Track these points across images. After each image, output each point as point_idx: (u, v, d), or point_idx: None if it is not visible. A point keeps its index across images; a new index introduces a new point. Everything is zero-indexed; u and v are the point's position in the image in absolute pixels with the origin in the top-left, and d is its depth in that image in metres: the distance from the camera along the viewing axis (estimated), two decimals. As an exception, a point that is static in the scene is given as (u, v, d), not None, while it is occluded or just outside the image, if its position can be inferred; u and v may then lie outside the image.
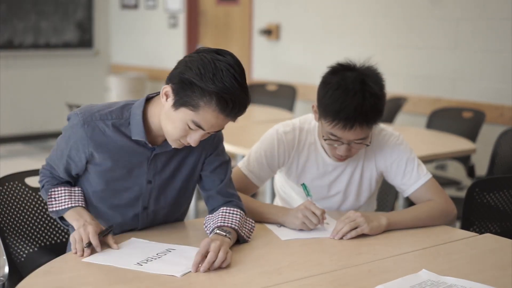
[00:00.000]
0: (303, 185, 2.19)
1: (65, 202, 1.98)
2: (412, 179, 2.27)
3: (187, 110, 1.81)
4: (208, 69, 1.78)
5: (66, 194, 1.99)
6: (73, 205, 1.97)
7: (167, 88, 1.85)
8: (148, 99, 1.97)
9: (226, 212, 1.98)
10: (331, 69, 2.17)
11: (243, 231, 1.96)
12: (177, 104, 1.83)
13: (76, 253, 1.81)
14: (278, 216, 2.14)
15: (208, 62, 1.79)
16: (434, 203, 2.23)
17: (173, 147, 1.94)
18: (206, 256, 1.74)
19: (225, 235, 1.87)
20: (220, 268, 1.74)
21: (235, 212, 1.98)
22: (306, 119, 2.36)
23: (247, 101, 1.83)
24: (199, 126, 1.83)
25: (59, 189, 2.00)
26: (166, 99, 1.85)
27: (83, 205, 1.98)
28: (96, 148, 1.93)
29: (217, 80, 1.77)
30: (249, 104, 1.85)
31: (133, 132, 1.94)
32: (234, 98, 1.78)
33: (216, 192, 2.07)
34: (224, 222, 1.94)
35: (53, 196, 1.99)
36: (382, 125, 2.33)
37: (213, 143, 2.05)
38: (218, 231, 1.88)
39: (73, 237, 1.85)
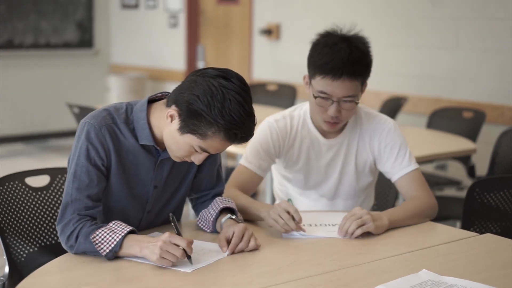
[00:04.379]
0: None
1: (112, 237, 1.79)
2: (404, 163, 2.33)
3: (194, 137, 1.81)
4: (216, 99, 1.76)
5: (107, 231, 1.80)
6: (122, 234, 1.79)
7: (172, 112, 1.83)
8: (149, 101, 1.95)
9: (224, 200, 2.06)
10: (319, 34, 2.29)
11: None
12: (184, 130, 1.82)
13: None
14: (260, 212, 2.12)
15: (216, 90, 1.76)
16: (422, 200, 2.26)
17: (174, 160, 1.95)
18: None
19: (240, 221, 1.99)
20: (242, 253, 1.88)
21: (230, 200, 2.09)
22: (296, 106, 2.44)
23: (253, 128, 1.85)
24: (205, 151, 1.85)
25: (98, 231, 1.80)
26: (171, 120, 1.84)
27: (132, 229, 1.82)
28: (114, 150, 1.90)
29: (225, 113, 1.75)
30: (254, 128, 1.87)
31: (140, 136, 1.92)
32: (242, 129, 1.79)
33: (211, 192, 2.13)
34: (231, 205, 2.04)
35: (97, 241, 1.79)
36: (378, 112, 2.43)
37: None
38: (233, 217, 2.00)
39: (161, 259, 1.72)
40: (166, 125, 1.86)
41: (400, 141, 2.35)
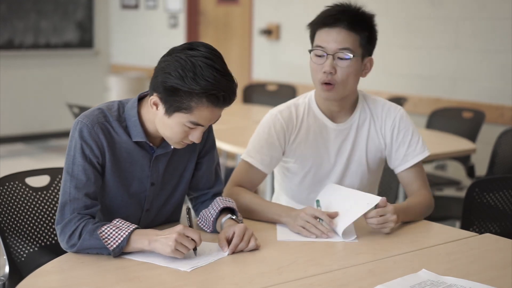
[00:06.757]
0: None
1: (119, 233, 1.79)
2: (417, 150, 2.32)
3: (181, 114, 1.82)
4: (187, 69, 1.78)
5: (112, 228, 1.81)
6: (128, 231, 1.80)
7: (154, 98, 1.85)
8: (140, 98, 1.97)
9: (224, 200, 2.06)
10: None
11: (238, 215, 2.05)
12: (169, 111, 1.83)
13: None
14: (280, 216, 2.12)
15: (185, 62, 1.78)
16: (425, 197, 2.27)
17: (176, 147, 1.95)
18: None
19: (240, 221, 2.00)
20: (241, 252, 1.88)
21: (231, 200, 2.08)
22: (299, 96, 2.40)
23: (234, 87, 1.84)
24: (197, 124, 1.84)
25: (104, 228, 1.80)
26: (157, 108, 1.86)
27: (137, 226, 1.83)
28: (108, 147, 1.91)
29: (199, 79, 1.77)
30: (237, 87, 1.86)
31: (132, 134, 1.93)
32: (221, 90, 1.79)
33: (210, 191, 2.13)
34: (232, 205, 2.03)
35: (104, 236, 1.79)
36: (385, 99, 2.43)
37: (206, 145, 2.09)
38: (234, 218, 1.99)
39: (175, 251, 1.75)
40: (155, 114, 1.88)
41: (412, 128, 2.35)
